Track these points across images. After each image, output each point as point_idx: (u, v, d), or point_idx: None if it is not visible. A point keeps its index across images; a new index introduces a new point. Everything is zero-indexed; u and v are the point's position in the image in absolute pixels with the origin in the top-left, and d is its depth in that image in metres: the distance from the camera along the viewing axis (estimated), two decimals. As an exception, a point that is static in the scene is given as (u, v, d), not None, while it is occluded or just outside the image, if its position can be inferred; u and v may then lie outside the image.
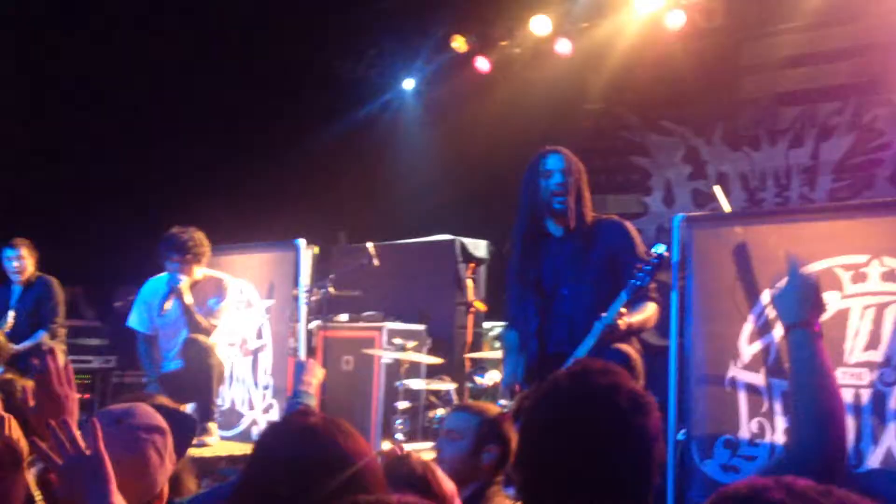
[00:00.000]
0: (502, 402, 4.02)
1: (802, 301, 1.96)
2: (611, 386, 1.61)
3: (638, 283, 3.70)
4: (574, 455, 1.55)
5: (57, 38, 7.98)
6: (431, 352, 6.53)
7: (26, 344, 6.45)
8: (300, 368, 3.07)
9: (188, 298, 5.57)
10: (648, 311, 3.87)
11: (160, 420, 2.12)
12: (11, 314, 6.43)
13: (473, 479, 3.14)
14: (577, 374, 1.65)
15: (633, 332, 3.84)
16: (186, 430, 2.24)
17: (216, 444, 5.50)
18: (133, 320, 5.75)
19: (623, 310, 3.68)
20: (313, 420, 1.75)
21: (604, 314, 3.68)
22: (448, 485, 2.04)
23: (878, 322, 3.92)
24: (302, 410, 2.12)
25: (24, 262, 6.63)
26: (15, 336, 6.43)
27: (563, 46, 8.20)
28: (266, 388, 6.42)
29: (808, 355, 1.84)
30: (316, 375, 3.05)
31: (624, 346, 3.84)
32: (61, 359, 2.11)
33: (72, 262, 7.31)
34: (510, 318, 4.25)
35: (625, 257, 3.93)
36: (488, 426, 3.28)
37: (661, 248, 3.75)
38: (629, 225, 4.12)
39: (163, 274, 5.67)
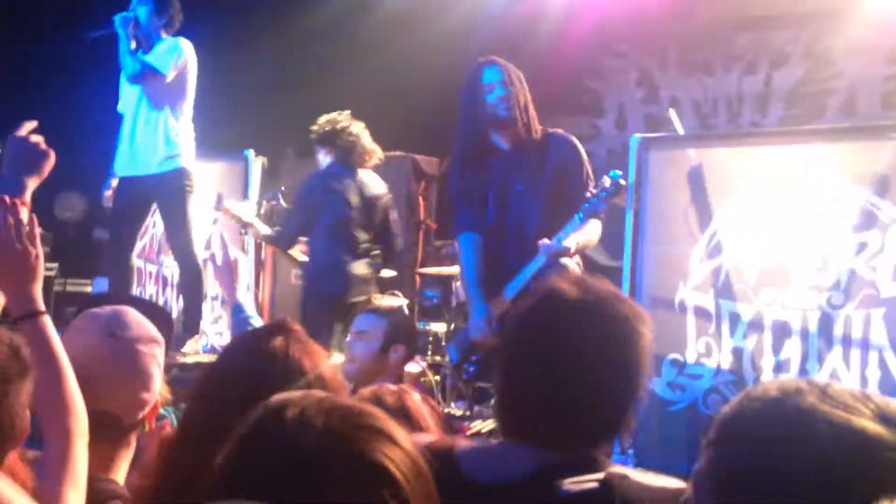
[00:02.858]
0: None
1: None
2: (612, 294, 1.62)
3: (592, 208, 3.72)
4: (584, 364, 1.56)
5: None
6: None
7: None
8: (226, 274, 3.00)
9: None
10: (594, 230, 3.89)
11: (153, 328, 2.07)
12: None
13: (382, 375, 3.37)
14: (581, 284, 1.64)
15: (572, 255, 3.86)
16: (168, 332, 2.20)
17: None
18: None
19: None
20: (275, 340, 1.75)
21: (554, 236, 3.70)
22: (427, 416, 2.03)
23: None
24: (271, 327, 2.05)
25: None
26: None
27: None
28: (214, 298, 6.36)
29: None
30: (243, 276, 3.04)
31: (569, 265, 3.87)
32: (24, 214, 1.85)
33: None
34: (459, 235, 4.14)
35: (575, 176, 3.93)
36: (396, 327, 3.59)
37: (617, 175, 3.77)
38: (578, 143, 4.11)
39: None
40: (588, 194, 3.77)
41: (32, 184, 1.97)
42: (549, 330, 1.59)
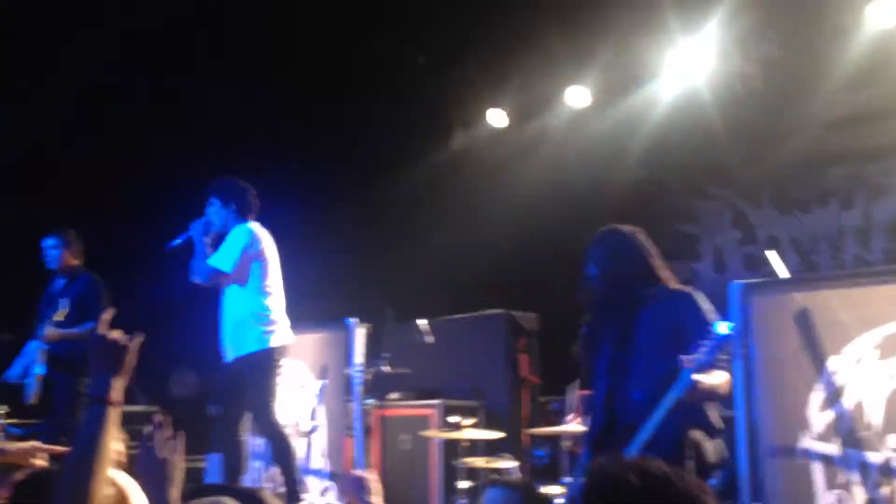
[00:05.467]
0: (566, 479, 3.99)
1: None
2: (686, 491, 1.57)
3: (703, 359, 3.62)
4: None
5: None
6: (487, 428, 6.45)
7: (73, 331, 6.21)
8: (357, 486, 3.03)
9: None
10: (722, 378, 3.77)
11: None
12: (66, 303, 6.20)
13: None
14: (648, 473, 1.60)
15: (707, 397, 3.73)
16: None
17: None
18: None
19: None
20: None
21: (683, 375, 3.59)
22: None
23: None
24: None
25: (54, 251, 6.43)
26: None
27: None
28: (321, 470, 6.37)
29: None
30: (377, 492, 3.05)
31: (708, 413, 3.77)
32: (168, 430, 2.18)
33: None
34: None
35: (691, 331, 3.84)
36: (513, 499, 3.36)
37: (720, 327, 3.64)
38: (696, 294, 4.02)
39: None
40: (699, 346, 3.66)
41: (118, 381, 2.06)
42: None
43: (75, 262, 6.47)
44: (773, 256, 5.54)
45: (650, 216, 8.57)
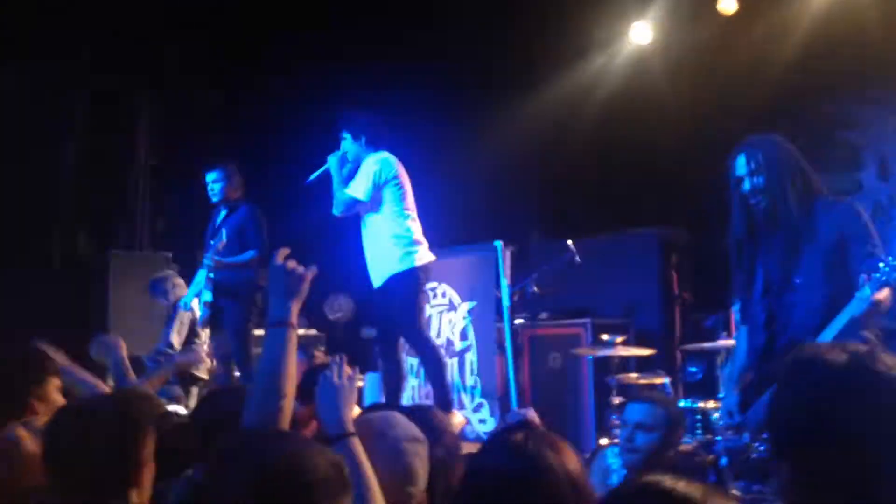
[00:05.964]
0: (721, 395, 3.95)
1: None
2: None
3: (884, 278, 3.44)
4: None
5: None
6: (638, 346, 6.41)
7: (234, 260, 6.44)
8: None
9: None
10: (890, 295, 3.59)
11: (417, 430, 2.23)
12: (226, 233, 6.47)
13: (662, 466, 3.41)
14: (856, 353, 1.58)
15: (881, 315, 3.59)
16: (434, 430, 2.34)
17: None
18: None
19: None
20: (522, 437, 1.81)
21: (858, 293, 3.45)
22: None
23: None
24: (518, 424, 2.15)
25: (217, 184, 6.65)
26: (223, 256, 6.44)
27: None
28: (474, 387, 6.52)
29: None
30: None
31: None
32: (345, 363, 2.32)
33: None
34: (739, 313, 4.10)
35: (857, 245, 3.66)
36: (678, 418, 3.67)
37: None
38: (858, 208, 3.81)
39: None
40: (879, 263, 3.48)
41: (296, 306, 2.25)
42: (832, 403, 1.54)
43: (237, 193, 6.73)
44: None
45: (808, 123, 8.19)
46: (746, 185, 3.75)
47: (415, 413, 2.43)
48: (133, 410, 2.24)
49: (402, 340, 5.70)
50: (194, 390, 6.70)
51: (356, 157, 5.62)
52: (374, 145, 5.63)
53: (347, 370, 2.29)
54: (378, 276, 5.56)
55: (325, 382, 2.25)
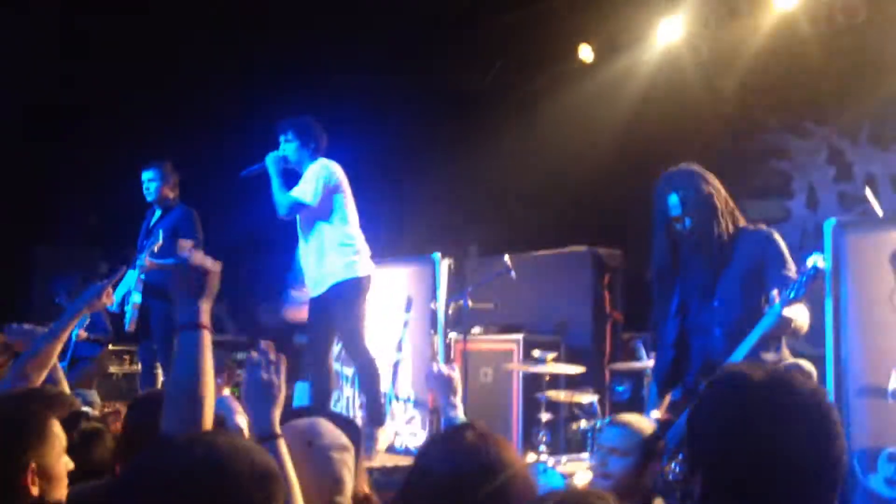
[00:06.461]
0: (652, 413, 3.98)
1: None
2: (812, 390, 1.59)
3: (792, 295, 3.57)
4: (768, 451, 1.53)
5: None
6: (569, 363, 6.48)
7: (168, 262, 6.32)
8: (441, 384, 3.06)
9: None
10: (805, 315, 3.73)
11: (345, 438, 2.21)
12: (161, 234, 6.33)
13: (637, 495, 3.18)
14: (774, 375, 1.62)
15: (792, 333, 3.71)
16: (357, 441, 2.32)
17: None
18: None
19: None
20: (470, 435, 1.84)
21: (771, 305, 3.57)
22: None
23: None
24: (462, 425, 2.15)
25: (152, 184, 6.50)
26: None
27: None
28: (407, 400, 6.51)
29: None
30: (457, 390, 3.08)
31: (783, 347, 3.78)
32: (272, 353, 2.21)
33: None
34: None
35: (773, 269, 3.81)
36: (653, 443, 3.40)
37: (817, 260, 3.59)
38: (775, 235, 3.96)
39: None
40: (789, 281, 3.62)
41: (206, 305, 2.07)
42: (743, 416, 1.58)
43: (172, 194, 6.62)
44: (869, 194, 5.38)
45: (742, 153, 8.40)
46: (679, 225, 3.87)
47: (342, 420, 2.41)
48: (22, 413, 2.16)
49: (333, 350, 5.66)
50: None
51: (298, 162, 5.58)
52: (319, 153, 5.60)
53: (273, 357, 2.19)
54: (318, 284, 5.51)
55: (251, 378, 2.16)
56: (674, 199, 3.90)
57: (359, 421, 5.62)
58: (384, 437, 5.57)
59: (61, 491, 2.17)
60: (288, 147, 5.59)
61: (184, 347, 2.02)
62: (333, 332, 5.61)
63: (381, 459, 5.47)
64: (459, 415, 2.95)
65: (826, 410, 1.59)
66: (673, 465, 3.73)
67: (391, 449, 6.00)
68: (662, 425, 3.89)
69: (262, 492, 1.57)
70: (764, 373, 1.63)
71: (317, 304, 5.56)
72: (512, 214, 9.06)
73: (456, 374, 3.09)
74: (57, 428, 2.24)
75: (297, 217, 5.56)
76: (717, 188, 3.93)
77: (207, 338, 2.04)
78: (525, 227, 8.80)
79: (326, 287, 5.45)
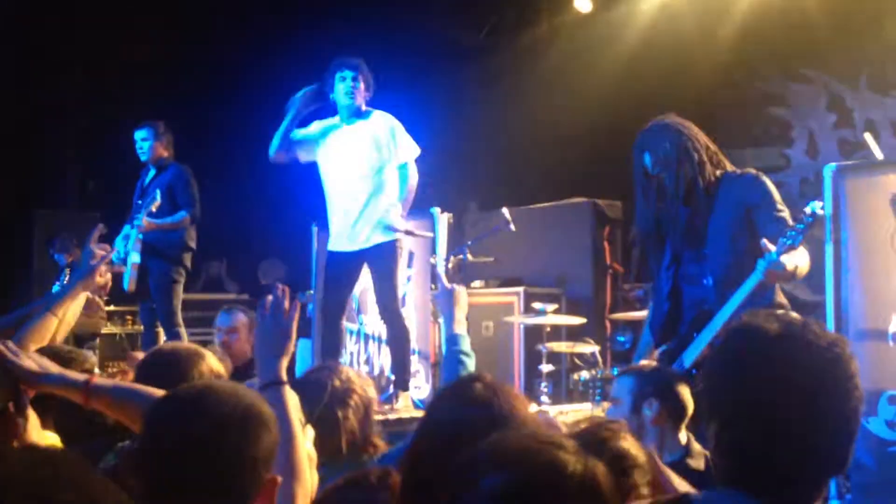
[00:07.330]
0: (641, 363, 4.01)
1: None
2: (830, 342, 1.57)
3: (789, 242, 3.55)
4: (785, 405, 1.52)
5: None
6: (569, 315, 6.51)
7: (165, 221, 6.28)
8: (446, 299, 3.03)
9: None
10: (804, 258, 3.71)
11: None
12: (158, 193, 6.30)
13: (644, 436, 3.14)
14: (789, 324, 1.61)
15: (787, 279, 3.70)
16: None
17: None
18: None
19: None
20: (479, 387, 1.83)
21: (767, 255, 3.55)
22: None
23: None
24: (470, 376, 2.15)
25: (146, 143, 6.49)
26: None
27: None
28: (412, 353, 6.51)
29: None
30: (463, 306, 3.05)
31: (778, 294, 3.78)
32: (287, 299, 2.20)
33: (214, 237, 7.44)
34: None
35: (763, 212, 3.79)
36: (641, 383, 3.32)
37: (816, 206, 3.57)
38: (762, 177, 3.94)
39: None
40: (786, 228, 3.61)
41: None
42: (758, 370, 1.56)
43: (166, 153, 6.58)
44: (869, 139, 5.35)
45: (741, 101, 8.35)
46: (660, 181, 3.86)
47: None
48: None
49: (347, 307, 5.62)
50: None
51: (349, 106, 5.44)
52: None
53: (287, 304, 2.18)
54: (363, 238, 5.34)
55: (263, 324, 2.18)
56: (647, 159, 3.89)
57: (365, 373, 5.62)
58: (404, 401, 5.51)
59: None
60: (345, 85, 5.44)
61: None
62: (352, 290, 5.54)
63: (384, 412, 5.51)
64: (461, 330, 2.92)
65: (844, 364, 1.55)
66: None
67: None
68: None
69: (241, 432, 1.61)
70: (779, 325, 1.61)
71: (349, 258, 5.39)
72: (511, 168, 9.02)
73: (462, 289, 3.08)
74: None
75: (353, 166, 5.40)
76: (693, 136, 3.88)
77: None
78: (524, 180, 8.76)
79: (376, 243, 5.32)
